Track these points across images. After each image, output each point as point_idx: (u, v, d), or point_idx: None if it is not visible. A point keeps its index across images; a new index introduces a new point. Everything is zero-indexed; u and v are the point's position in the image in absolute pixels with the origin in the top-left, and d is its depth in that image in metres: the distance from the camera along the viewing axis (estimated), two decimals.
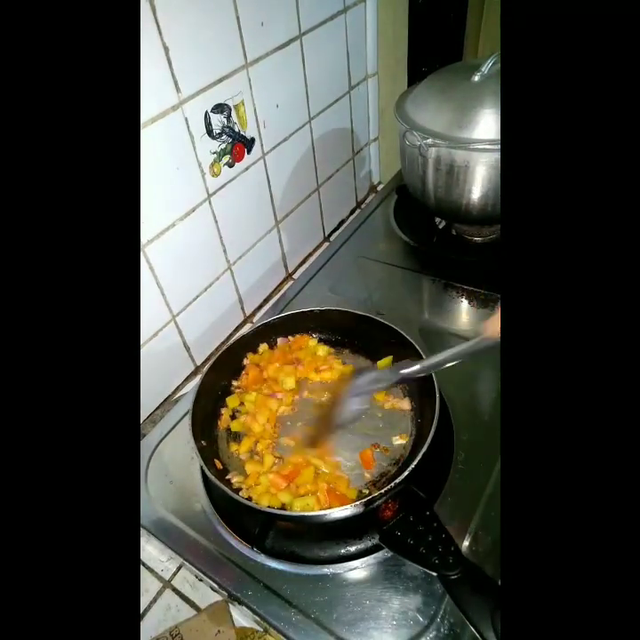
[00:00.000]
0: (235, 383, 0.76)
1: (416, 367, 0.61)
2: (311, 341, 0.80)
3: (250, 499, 0.61)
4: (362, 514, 0.57)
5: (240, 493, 0.62)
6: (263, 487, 0.63)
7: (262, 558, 0.60)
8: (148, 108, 0.63)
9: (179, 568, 0.69)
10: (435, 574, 0.52)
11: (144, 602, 0.66)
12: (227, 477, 0.65)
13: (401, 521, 0.56)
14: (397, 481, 0.56)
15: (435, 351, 0.81)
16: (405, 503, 0.58)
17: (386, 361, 0.74)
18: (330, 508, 0.58)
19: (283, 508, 0.60)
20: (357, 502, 0.55)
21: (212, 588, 0.63)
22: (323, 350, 0.79)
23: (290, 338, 0.80)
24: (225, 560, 0.61)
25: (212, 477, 0.59)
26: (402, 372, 0.61)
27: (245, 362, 0.78)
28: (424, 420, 0.66)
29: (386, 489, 0.55)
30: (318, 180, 1.05)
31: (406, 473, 0.56)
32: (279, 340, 0.80)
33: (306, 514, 0.59)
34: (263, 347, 0.79)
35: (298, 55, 0.86)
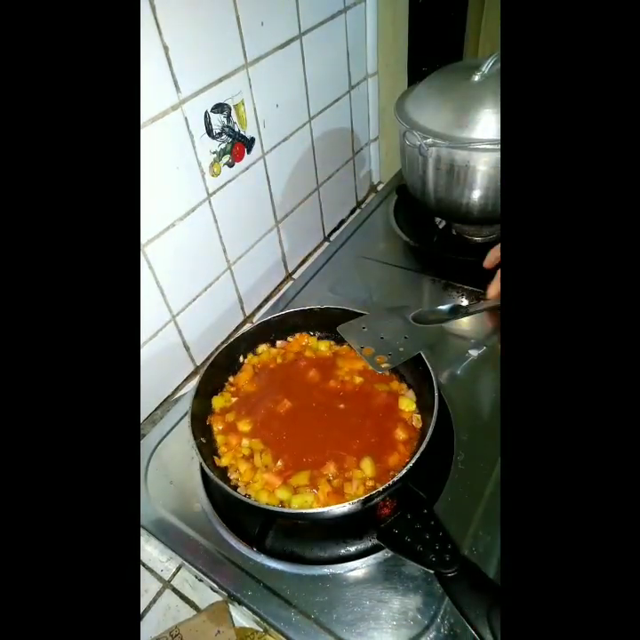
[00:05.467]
0: (231, 379, 0.76)
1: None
2: (311, 339, 0.80)
3: (248, 496, 0.61)
4: (360, 512, 0.57)
5: (238, 490, 0.62)
6: (260, 484, 0.63)
7: (262, 558, 0.60)
8: (147, 107, 0.63)
9: (179, 568, 0.69)
10: (432, 572, 0.52)
11: (144, 602, 0.66)
12: (227, 475, 0.65)
13: (399, 519, 0.56)
14: (395, 479, 0.56)
15: (435, 351, 0.81)
16: (403, 501, 0.58)
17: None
18: (327, 505, 0.58)
19: (281, 505, 0.60)
20: (355, 500, 0.55)
21: (212, 588, 0.63)
22: (325, 345, 0.79)
23: (289, 339, 0.80)
24: (225, 560, 0.60)
25: (211, 474, 0.59)
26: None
27: (243, 360, 0.78)
28: (423, 418, 0.66)
29: (384, 487, 0.55)
30: (318, 180, 1.05)
31: (404, 471, 0.56)
32: (278, 342, 0.80)
33: (304, 511, 0.59)
34: (262, 348, 0.79)
35: (298, 55, 0.86)
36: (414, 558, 0.53)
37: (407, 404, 0.69)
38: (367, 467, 0.62)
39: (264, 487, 0.62)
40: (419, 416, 0.67)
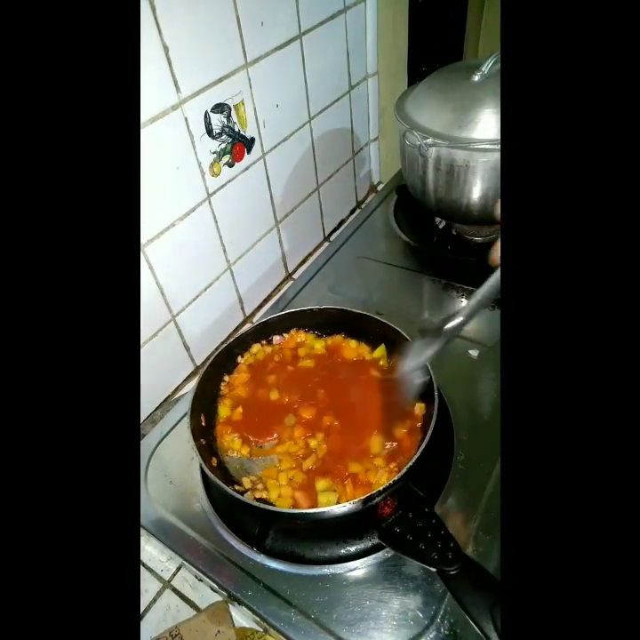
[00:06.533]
0: (226, 379, 0.75)
1: (458, 320, 0.56)
2: (308, 336, 0.80)
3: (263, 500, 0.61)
4: (361, 511, 0.57)
5: (246, 495, 0.62)
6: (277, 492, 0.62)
7: (262, 558, 0.60)
8: (147, 107, 0.63)
9: (179, 568, 0.68)
10: (434, 570, 0.52)
11: (144, 602, 0.66)
12: (236, 487, 0.64)
13: (400, 518, 0.56)
14: (396, 478, 0.56)
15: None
16: (404, 501, 0.58)
17: (380, 350, 0.75)
18: (354, 498, 0.58)
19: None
20: (356, 499, 0.55)
21: (212, 589, 0.63)
22: (320, 344, 0.78)
23: (285, 335, 0.80)
24: (225, 560, 0.60)
25: (213, 477, 0.59)
26: (447, 327, 0.57)
27: (240, 360, 0.78)
28: (423, 418, 0.66)
29: (384, 486, 0.55)
30: (318, 180, 1.05)
31: (405, 470, 0.56)
32: (275, 338, 0.80)
33: (305, 511, 0.59)
34: (256, 347, 0.79)
35: (298, 55, 0.86)
36: (416, 557, 0.53)
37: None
38: (375, 445, 0.64)
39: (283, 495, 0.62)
40: (422, 404, 0.68)
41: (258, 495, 0.62)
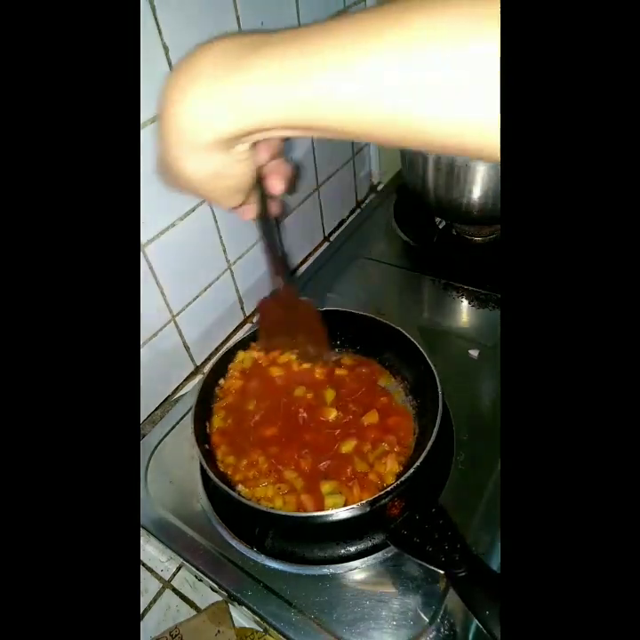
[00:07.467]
0: (221, 381, 0.75)
1: None
2: None
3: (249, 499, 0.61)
4: (367, 513, 0.57)
5: (241, 492, 0.62)
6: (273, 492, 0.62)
7: (262, 558, 0.60)
8: (147, 107, 0.63)
9: (179, 568, 0.69)
10: (442, 572, 0.52)
11: (144, 602, 0.66)
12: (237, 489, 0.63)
13: (407, 519, 0.56)
14: (403, 479, 0.55)
15: (435, 351, 0.80)
16: (411, 501, 0.58)
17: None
18: (361, 499, 0.57)
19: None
20: (363, 502, 0.55)
21: (212, 588, 0.63)
22: None
23: None
24: (225, 560, 0.60)
25: (220, 484, 0.59)
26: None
27: (231, 366, 0.77)
28: (426, 418, 0.66)
29: (391, 488, 0.55)
30: (318, 180, 1.05)
31: (412, 470, 0.56)
32: None
33: (309, 514, 0.59)
34: (242, 354, 0.77)
35: None
36: (424, 559, 0.53)
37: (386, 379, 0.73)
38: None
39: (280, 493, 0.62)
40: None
41: (264, 503, 0.61)
